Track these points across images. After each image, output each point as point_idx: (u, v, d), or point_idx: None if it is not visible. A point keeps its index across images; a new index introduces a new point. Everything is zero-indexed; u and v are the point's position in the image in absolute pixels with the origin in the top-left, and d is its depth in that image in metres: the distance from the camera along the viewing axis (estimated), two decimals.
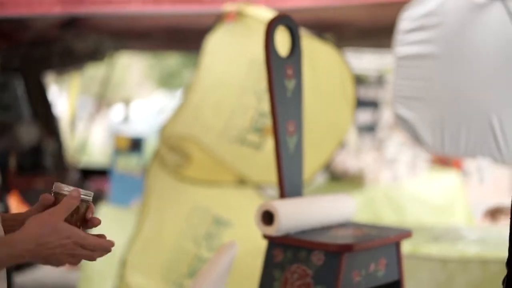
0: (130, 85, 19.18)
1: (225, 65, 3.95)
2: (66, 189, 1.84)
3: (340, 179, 6.95)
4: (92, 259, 1.75)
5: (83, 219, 1.82)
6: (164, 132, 4.00)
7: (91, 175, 9.00)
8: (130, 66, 17.81)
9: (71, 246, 1.69)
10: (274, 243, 2.39)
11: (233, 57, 3.94)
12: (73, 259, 1.71)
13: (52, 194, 1.86)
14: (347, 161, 6.90)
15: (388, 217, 6.40)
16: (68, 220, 1.77)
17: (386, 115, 7.43)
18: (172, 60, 17.28)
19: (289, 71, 2.59)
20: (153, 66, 18.97)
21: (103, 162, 11.64)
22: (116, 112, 16.75)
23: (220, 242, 3.81)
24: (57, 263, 1.70)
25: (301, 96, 2.63)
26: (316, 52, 3.85)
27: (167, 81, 19.13)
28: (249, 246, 3.39)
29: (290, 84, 2.58)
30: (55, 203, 1.82)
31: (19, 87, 9.40)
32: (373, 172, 6.83)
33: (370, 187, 6.72)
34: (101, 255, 1.76)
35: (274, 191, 4.66)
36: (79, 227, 1.79)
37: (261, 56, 3.53)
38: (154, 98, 18.66)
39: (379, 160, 7.04)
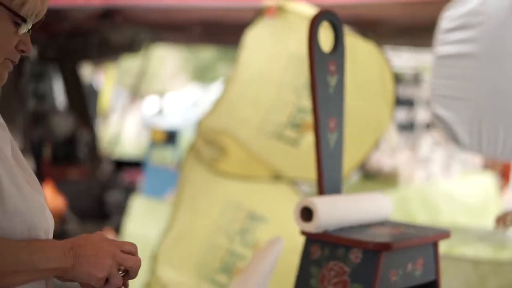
0: (164, 78, 19.25)
1: (264, 60, 3.95)
2: None
3: (373, 177, 6.93)
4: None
5: None
6: (201, 126, 4.00)
7: (124, 167, 9.06)
8: (165, 59, 17.87)
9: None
10: (312, 239, 2.38)
11: (272, 52, 3.93)
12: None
13: None
14: (382, 160, 6.87)
15: (421, 217, 6.37)
16: None
17: (421, 114, 7.39)
18: (207, 53, 17.32)
19: (332, 67, 2.58)
20: (188, 59, 19.02)
21: (136, 154, 11.70)
22: (149, 105, 16.80)
23: (254, 238, 3.81)
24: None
25: (343, 93, 2.62)
26: (357, 49, 3.83)
27: (201, 75, 19.17)
28: (284, 242, 3.38)
29: (333, 80, 2.57)
30: None
31: (55, 78, 9.47)
32: (407, 171, 6.80)
33: (404, 186, 6.69)
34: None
35: (309, 187, 4.66)
36: None
37: (300, 52, 3.54)
38: (187, 91, 18.69)
39: (413, 159, 7.01)
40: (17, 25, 1.66)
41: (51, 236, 1.74)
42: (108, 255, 1.63)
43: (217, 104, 3.98)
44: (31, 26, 1.69)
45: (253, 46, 3.92)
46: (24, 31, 1.68)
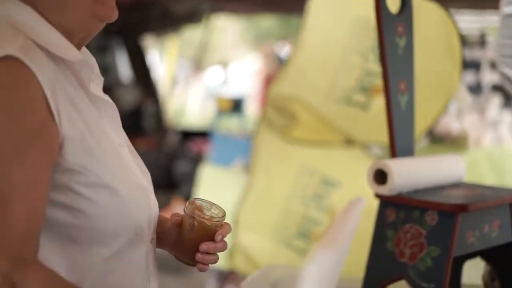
0: (225, 48, 19.28)
1: (330, 24, 3.93)
2: (208, 213, 1.75)
3: (441, 141, 6.86)
4: None
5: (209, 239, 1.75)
6: (270, 93, 4.01)
7: (190, 137, 9.13)
8: (225, 29, 17.88)
9: None
10: (386, 202, 2.36)
11: (337, 16, 3.91)
12: None
13: (185, 210, 1.76)
14: (449, 123, 6.80)
15: (490, 180, 6.30)
16: (187, 236, 1.74)
17: (488, 76, 7.28)
18: (267, 22, 17.28)
19: (400, 29, 2.55)
20: (248, 28, 19.00)
21: (200, 124, 11.77)
22: (212, 75, 16.86)
23: (329, 203, 3.82)
24: None
25: (412, 55, 2.59)
26: (422, 10, 3.77)
27: (261, 43, 19.14)
28: (365, 202, 3.37)
29: (401, 42, 2.54)
30: (185, 228, 1.75)
31: (118, 50, 9.55)
32: (475, 134, 6.72)
33: (473, 149, 6.61)
34: None
35: (380, 150, 4.64)
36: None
37: (366, 15, 3.50)
38: (248, 60, 18.70)
39: (481, 122, 6.92)
40: None
41: (153, 225, 1.75)
42: None
43: (285, 70, 3.98)
44: None
45: (318, 11, 3.90)
46: None
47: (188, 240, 1.75)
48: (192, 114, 14.37)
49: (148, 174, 1.81)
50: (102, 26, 1.72)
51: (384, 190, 2.33)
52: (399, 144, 2.49)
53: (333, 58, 3.88)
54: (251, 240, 4.21)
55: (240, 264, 4.47)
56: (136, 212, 1.67)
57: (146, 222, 1.70)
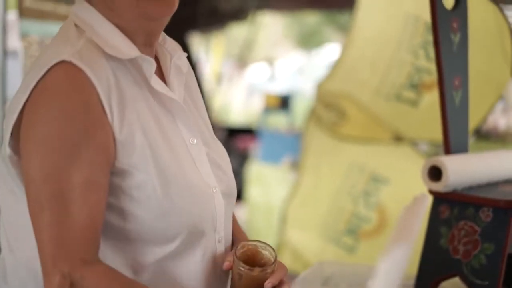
0: (268, 45, 19.28)
1: (380, 21, 3.91)
2: (260, 255, 1.70)
3: (488, 138, 6.80)
4: None
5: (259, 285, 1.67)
6: (320, 90, 4.01)
7: (236, 134, 9.13)
8: (270, 26, 17.88)
9: None
10: (440, 199, 2.35)
11: (388, 12, 3.89)
12: None
13: (234, 256, 1.70)
14: (496, 120, 6.74)
15: None
16: (237, 283, 1.69)
17: None
18: (311, 18, 17.23)
19: (455, 25, 2.53)
20: (291, 25, 18.98)
21: (245, 121, 11.79)
22: (256, 72, 16.87)
23: (377, 200, 3.81)
24: None
25: (467, 50, 2.58)
26: (473, 5, 3.74)
27: (306, 40, 19.11)
28: (408, 203, 3.36)
29: (456, 38, 2.53)
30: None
31: None
32: None
33: None
34: None
35: (428, 147, 4.62)
36: None
37: (416, 11, 3.49)
38: (292, 57, 18.68)
39: None
40: None
41: (221, 224, 1.72)
42: None
43: (335, 67, 3.98)
44: None
45: (369, 7, 3.89)
46: None
47: (237, 286, 1.69)
48: (236, 111, 14.41)
49: (228, 166, 1.80)
50: (159, 24, 1.71)
51: (439, 186, 2.32)
52: (453, 140, 2.48)
53: (383, 54, 3.86)
54: (299, 237, 4.21)
55: (287, 261, 4.46)
56: (192, 212, 1.64)
57: (209, 222, 1.69)
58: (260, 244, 1.71)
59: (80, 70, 1.55)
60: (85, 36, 1.63)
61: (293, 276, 4.89)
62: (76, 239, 1.49)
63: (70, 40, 1.61)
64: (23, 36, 3.68)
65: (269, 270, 1.67)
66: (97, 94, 1.56)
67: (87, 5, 1.67)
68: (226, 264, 1.71)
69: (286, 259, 4.46)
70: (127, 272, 1.59)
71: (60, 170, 1.50)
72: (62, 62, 1.55)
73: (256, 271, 1.66)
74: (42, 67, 1.55)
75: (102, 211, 1.54)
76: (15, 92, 1.63)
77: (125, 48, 1.64)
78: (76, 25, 1.66)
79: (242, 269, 1.66)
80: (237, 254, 1.68)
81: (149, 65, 1.67)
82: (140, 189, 1.58)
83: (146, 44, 1.70)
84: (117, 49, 1.63)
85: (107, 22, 1.65)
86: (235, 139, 8.89)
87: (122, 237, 1.60)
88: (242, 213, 5.23)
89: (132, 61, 1.65)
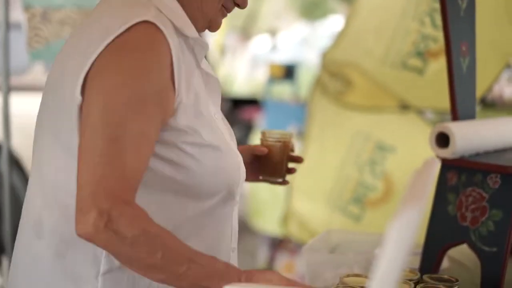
0: (272, 16, 19.18)
1: None
2: (275, 136, 2.23)
3: (493, 106, 6.76)
4: None
5: (289, 156, 2.27)
6: (325, 59, 3.99)
7: (240, 105, 9.11)
8: None
9: None
10: (448, 166, 2.34)
11: None
12: None
13: (263, 141, 2.25)
14: (501, 88, 6.69)
15: None
16: (279, 157, 2.24)
17: None
18: None
19: None
20: None
21: (249, 92, 11.76)
22: (259, 43, 16.81)
23: (383, 168, 3.80)
24: None
25: (474, 16, 2.56)
26: None
27: (309, 11, 19.00)
28: (417, 167, 3.35)
29: (463, 3, 2.51)
30: (267, 154, 2.23)
31: None
32: None
33: None
34: None
35: (434, 115, 4.60)
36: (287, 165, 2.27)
37: None
38: (296, 28, 18.59)
39: None
40: None
41: (242, 184, 1.94)
42: None
43: (341, 36, 3.96)
44: None
45: None
46: None
47: (280, 161, 2.24)
48: (241, 82, 14.37)
49: (235, 141, 1.99)
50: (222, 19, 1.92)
51: (446, 153, 2.31)
52: (460, 107, 2.46)
53: (388, 23, 3.84)
54: (305, 206, 4.22)
55: (293, 231, 4.49)
56: (231, 172, 1.85)
57: (238, 185, 1.88)
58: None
59: (161, 33, 1.69)
60: (153, 5, 1.76)
61: (300, 245, 4.92)
62: (122, 181, 1.60)
63: (140, 5, 1.74)
64: (26, 8, 3.67)
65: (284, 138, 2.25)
66: (171, 58, 1.70)
67: None
68: (263, 149, 2.22)
69: (292, 229, 4.47)
70: (167, 225, 1.66)
71: (122, 118, 1.62)
72: (144, 22, 1.67)
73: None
74: (116, 25, 1.67)
75: (147, 164, 1.67)
76: (57, 56, 1.81)
77: (190, 26, 1.81)
78: None
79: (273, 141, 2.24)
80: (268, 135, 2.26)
81: (204, 47, 1.86)
82: (194, 146, 1.75)
83: (200, 31, 1.88)
84: (184, 25, 1.80)
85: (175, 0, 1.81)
86: (240, 110, 8.87)
87: (171, 189, 1.75)
88: (247, 184, 5.23)
89: (192, 40, 1.82)
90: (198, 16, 1.84)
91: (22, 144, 5.61)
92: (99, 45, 1.66)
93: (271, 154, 2.23)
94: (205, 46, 1.85)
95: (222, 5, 1.87)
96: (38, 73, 6.31)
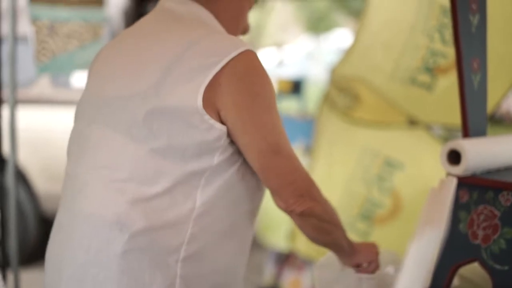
0: (277, 30, 19.22)
1: (395, 4, 3.88)
2: None
3: (501, 122, 6.75)
4: None
5: None
6: (334, 74, 3.99)
7: None
8: (278, 10, 17.81)
9: None
10: (459, 183, 2.33)
11: None
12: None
13: None
14: (510, 104, 6.69)
15: None
16: None
17: None
18: (320, 3, 17.18)
19: (474, 6, 2.50)
20: (300, 10, 18.93)
21: None
22: (266, 57, 16.83)
23: (391, 184, 3.79)
24: None
25: (485, 33, 2.54)
26: None
27: (314, 25, 19.06)
28: (422, 187, 3.34)
29: (475, 19, 2.49)
30: None
31: None
32: None
33: None
34: None
35: (443, 131, 4.59)
36: None
37: None
38: (301, 42, 18.63)
39: None
40: None
41: None
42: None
43: (349, 51, 3.95)
44: None
45: None
46: None
47: None
48: None
49: None
50: None
51: (458, 170, 2.29)
52: (471, 123, 2.45)
53: (397, 38, 3.83)
54: None
55: (301, 246, 4.46)
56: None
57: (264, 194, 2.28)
58: None
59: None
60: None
61: (307, 261, 4.88)
62: (307, 180, 2.13)
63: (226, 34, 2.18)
64: (34, 20, 3.67)
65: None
66: None
67: (205, 10, 2.22)
68: None
69: (299, 244, 4.44)
70: (244, 219, 2.21)
71: (278, 125, 2.03)
72: (247, 50, 2.06)
73: None
74: (223, 51, 2.03)
75: None
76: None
77: None
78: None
79: None
80: None
81: None
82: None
83: None
84: None
85: (218, 23, 2.23)
86: None
87: (250, 185, 2.17)
88: None
89: None
90: (237, 33, 2.29)
91: (28, 157, 5.61)
92: (215, 64, 2.00)
93: None
94: None
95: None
96: (44, 86, 6.31)
